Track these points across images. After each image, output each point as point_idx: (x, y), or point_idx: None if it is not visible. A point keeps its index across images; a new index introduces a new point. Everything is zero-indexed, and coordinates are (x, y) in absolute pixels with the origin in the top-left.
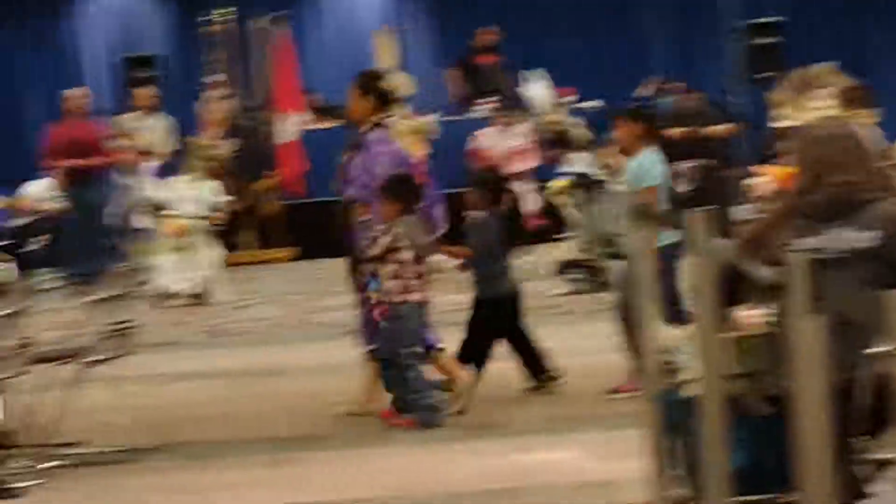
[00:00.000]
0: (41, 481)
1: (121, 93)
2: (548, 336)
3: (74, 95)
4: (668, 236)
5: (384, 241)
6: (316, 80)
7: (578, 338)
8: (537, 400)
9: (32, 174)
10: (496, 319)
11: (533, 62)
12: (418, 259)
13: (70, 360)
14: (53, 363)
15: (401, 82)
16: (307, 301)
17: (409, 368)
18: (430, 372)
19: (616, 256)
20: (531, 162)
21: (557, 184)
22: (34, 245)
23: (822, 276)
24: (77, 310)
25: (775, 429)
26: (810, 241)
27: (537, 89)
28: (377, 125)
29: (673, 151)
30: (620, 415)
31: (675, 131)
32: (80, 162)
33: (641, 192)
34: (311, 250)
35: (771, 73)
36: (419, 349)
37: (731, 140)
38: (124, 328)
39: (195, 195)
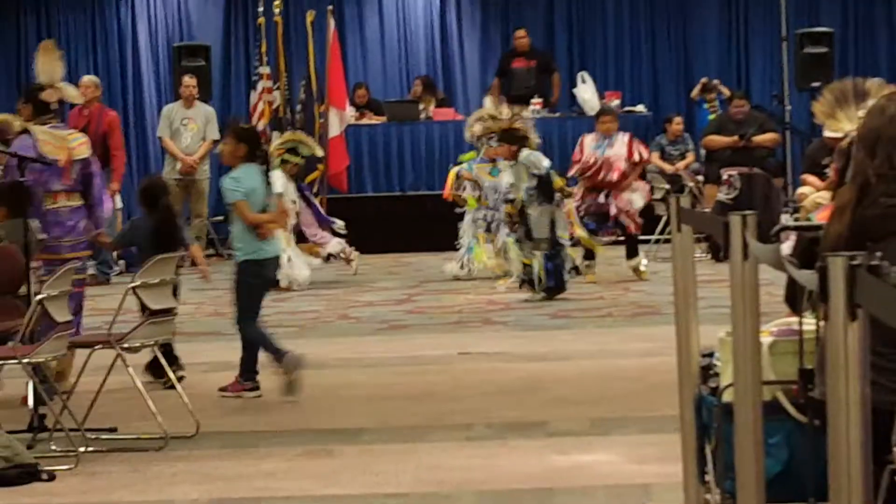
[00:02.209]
0: (74, 466)
1: (170, 82)
2: (579, 338)
3: (83, 84)
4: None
5: None
6: (360, 76)
7: (617, 341)
8: (577, 401)
9: None
10: None
11: (582, 63)
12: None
13: (108, 345)
14: (92, 348)
15: (68, 93)
16: (346, 295)
17: None
18: None
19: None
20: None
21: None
22: None
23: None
24: (117, 296)
25: (811, 436)
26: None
27: (589, 91)
28: (23, 132)
29: (718, 158)
30: (658, 418)
31: (721, 139)
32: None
33: (234, 207)
34: (350, 245)
35: (820, 83)
36: None
37: (776, 148)
38: (166, 315)
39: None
